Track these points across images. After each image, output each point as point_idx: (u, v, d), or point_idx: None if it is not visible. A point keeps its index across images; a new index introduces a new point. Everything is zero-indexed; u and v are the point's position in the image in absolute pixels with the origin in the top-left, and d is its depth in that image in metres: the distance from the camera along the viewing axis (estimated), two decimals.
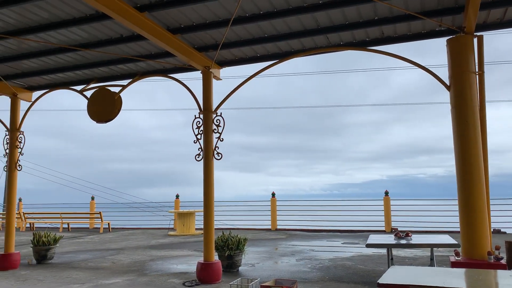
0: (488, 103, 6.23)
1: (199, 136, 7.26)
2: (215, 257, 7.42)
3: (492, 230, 7.57)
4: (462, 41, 6.01)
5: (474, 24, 5.83)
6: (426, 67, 6.41)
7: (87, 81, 8.82)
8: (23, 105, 9.52)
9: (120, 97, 7.87)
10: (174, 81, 7.93)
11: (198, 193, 7.30)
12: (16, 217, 16.96)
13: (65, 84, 9.07)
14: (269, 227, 16.31)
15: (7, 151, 9.23)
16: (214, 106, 7.41)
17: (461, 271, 3.72)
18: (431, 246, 5.89)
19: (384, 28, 6.49)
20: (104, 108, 7.78)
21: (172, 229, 17.20)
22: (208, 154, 7.19)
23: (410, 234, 6.43)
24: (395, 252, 9.80)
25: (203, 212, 7.28)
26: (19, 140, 9.24)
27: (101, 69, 8.22)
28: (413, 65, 6.56)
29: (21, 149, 9.25)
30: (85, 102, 8.04)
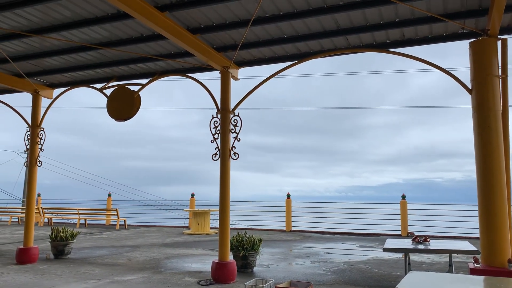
0: None
1: (216, 136, 7.28)
2: (230, 257, 7.43)
3: None
4: (485, 44, 5.90)
5: (498, 27, 5.72)
6: (447, 69, 6.32)
7: (107, 80, 8.94)
8: (44, 102, 9.69)
9: (139, 95, 7.95)
10: (190, 81, 7.97)
11: (213, 192, 7.35)
12: (35, 212, 17.29)
13: (85, 82, 9.20)
14: (284, 228, 16.28)
15: (28, 147, 9.40)
16: (231, 106, 7.42)
17: (482, 278, 3.65)
18: (450, 252, 5.79)
19: (405, 30, 6.42)
20: (123, 106, 7.86)
21: (187, 227, 17.30)
22: (225, 154, 7.21)
23: (428, 239, 6.33)
24: (412, 257, 9.68)
25: (218, 212, 7.30)
26: (40, 137, 9.41)
27: (121, 67, 8.32)
28: (431, 68, 6.47)
29: (42, 145, 9.42)
30: (104, 100, 8.15)
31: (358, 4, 5.68)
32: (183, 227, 17.56)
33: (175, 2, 5.78)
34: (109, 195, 19.97)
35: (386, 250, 5.89)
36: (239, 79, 7.95)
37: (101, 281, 7.07)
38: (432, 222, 14.96)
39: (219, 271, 7.03)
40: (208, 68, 7.91)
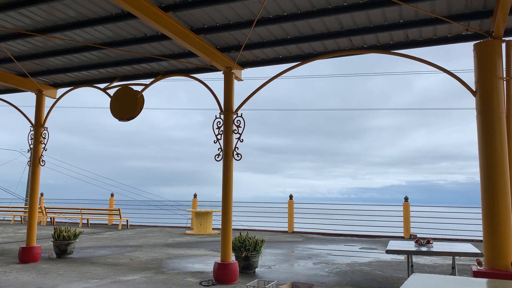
0: None
1: (219, 137, 7.28)
2: (232, 258, 7.42)
3: None
4: (490, 46, 5.87)
5: (503, 29, 5.70)
6: (451, 71, 6.29)
7: (110, 79, 8.96)
8: (47, 101, 9.72)
9: (142, 95, 7.96)
10: (193, 81, 7.98)
11: (215, 192, 7.37)
12: (38, 212, 17.32)
13: (89, 82, 9.22)
14: (286, 229, 16.26)
15: (32, 146, 9.42)
16: (235, 107, 7.42)
17: (485, 281, 3.62)
18: (453, 254, 5.76)
19: (409, 31, 6.40)
20: (126, 106, 7.87)
21: (189, 228, 17.31)
22: (227, 155, 7.21)
23: (431, 241, 6.30)
24: (415, 259, 9.64)
25: (221, 212, 7.30)
26: (43, 136, 9.43)
27: (125, 67, 8.33)
28: (434, 70, 6.46)
29: (45, 144, 9.44)
30: (107, 100, 8.17)
31: (362, 5, 5.67)
32: (185, 227, 17.57)
33: (179, 3, 5.78)
34: (112, 195, 20.00)
35: (389, 252, 5.87)
36: (242, 80, 7.95)
37: (103, 281, 7.07)
38: (435, 224, 14.92)
39: (221, 272, 7.02)
40: (211, 69, 7.91)
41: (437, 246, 6.16)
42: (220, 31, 6.52)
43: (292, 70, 7.28)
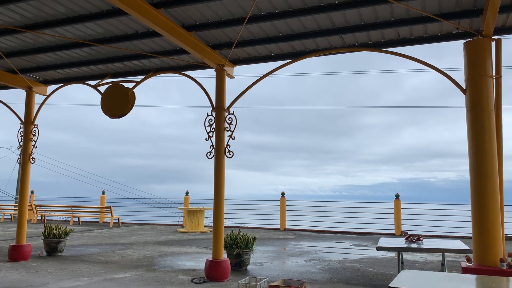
0: (505, 108, 6.13)
1: (211, 134, 7.27)
2: (224, 255, 7.42)
3: (505, 236, 7.45)
4: (479, 44, 5.92)
5: (493, 27, 5.74)
6: (442, 69, 6.34)
7: (101, 76, 8.89)
8: (37, 98, 9.63)
9: (133, 92, 7.91)
10: (185, 78, 7.95)
11: (207, 190, 7.35)
12: (28, 209, 17.19)
13: (80, 79, 9.15)
14: (278, 226, 16.29)
15: (21, 143, 9.34)
16: (226, 104, 7.41)
17: (474, 277, 3.67)
18: (443, 251, 5.81)
19: (400, 29, 6.43)
20: (117, 104, 7.83)
21: (181, 225, 17.28)
22: (219, 152, 7.20)
23: (421, 238, 6.36)
24: (405, 256, 9.72)
25: (213, 210, 7.29)
26: (33, 133, 9.35)
27: (116, 64, 8.28)
28: (425, 68, 6.49)
29: (35, 142, 9.35)
30: (98, 97, 8.11)
31: (353, 3, 5.68)
32: (177, 225, 17.54)
33: None
34: (103, 192, 19.89)
35: (380, 248, 5.91)
36: (234, 77, 7.94)
37: (94, 279, 7.04)
38: (426, 221, 15.04)
39: (213, 269, 7.02)
40: (203, 66, 7.88)
41: (427, 243, 6.22)
42: (212, 28, 6.50)
43: (284, 67, 7.29)
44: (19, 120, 9.42)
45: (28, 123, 9.34)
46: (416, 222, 15.15)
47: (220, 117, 7.29)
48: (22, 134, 9.35)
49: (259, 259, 9.22)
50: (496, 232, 5.63)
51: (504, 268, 5.44)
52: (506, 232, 11.67)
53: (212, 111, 7.37)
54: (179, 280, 6.99)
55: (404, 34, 6.61)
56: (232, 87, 8.18)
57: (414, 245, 6.00)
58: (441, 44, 6.86)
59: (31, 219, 18.79)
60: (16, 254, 8.79)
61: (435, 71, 6.42)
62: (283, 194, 16.58)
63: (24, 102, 9.49)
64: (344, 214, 16.38)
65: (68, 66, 8.44)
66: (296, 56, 7.34)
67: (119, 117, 7.88)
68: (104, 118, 8.05)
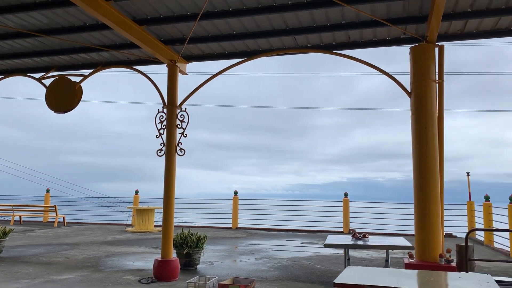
0: (447, 112, 6.45)
1: (161, 131, 7.13)
2: (174, 255, 7.31)
3: (444, 233, 7.85)
4: (424, 50, 6.19)
5: (436, 34, 6.02)
6: (390, 73, 6.57)
7: (46, 69, 8.48)
8: None
9: (80, 87, 7.61)
10: (137, 74, 7.76)
11: (159, 189, 7.18)
12: None
13: (23, 71, 8.68)
14: (230, 225, 16.27)
15: None
16: (179, 101, 7.29)
17: (414, 272, 3.82)
18: (387, 248, 6.04)
19: (351, 32, 6.60)
20: (63, 98, 7.50)
21: (130, 225, 16.85)
22: (170, 150, 7.08)
23: (367, 236, 6.56)
24: (352, 253, 10.00)
25: (162, 209, 7.16)
26: None
27: (62, 57, 7.92)
28: (376, 71, 6.70)
29: None
30: (43, 90, 7.73)
31: (306, 4, 5.76)
32: (126, 224, 17.08)
33: None
34: (48, 191, 19.01)
35: (327, 246, 6.04)
36: (187, 74, 7.83)
37: (35, 281, 6.70)
38: (373, 219, 15.56)
39: (161, 269, 6.89)
40: (155, 61, 7.72)
41: (372, 240, 6.43)
42: (164, 23, 6.37)
43: (240, 66, 7.29)
44: None
45: None
46: (363, 220, 15.63)
47: (171, 114, 7.17)
48: None
49: (210, 258, 9.16)
50: (437, 230, 5.91)
51: (443, 263, 5.73)
52: (446, 229, 12.33)
53: (163, 107, 7.23)
54: (126, 281, 6.80)
55: (355, 37, 6.79)
56: (186, 84, 8.07)
57: (360, 242, 6.18)
58: (391, 48, 7.11)
59: None
60: None
61: (384, 74, 6.65)
62: (236, 193, 16.58)
63: None
64: (295, 212, 16.62)
65: (10, 57, 7.98)
66: (250, 55, 7.35)
67: (65, 112, 7.55)
68: (50, 113, 7.69)
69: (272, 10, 5.92)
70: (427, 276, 3.40)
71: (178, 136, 7.16)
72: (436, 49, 6.25)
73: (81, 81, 7.63)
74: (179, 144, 7.13)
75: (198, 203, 18.22)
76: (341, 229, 15.22)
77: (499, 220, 11.92)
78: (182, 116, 7.19)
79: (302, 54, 7.34)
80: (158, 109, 7.20)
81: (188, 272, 7.60)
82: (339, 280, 3.02)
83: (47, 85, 7.70)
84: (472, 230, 5.44)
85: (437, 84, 6.17)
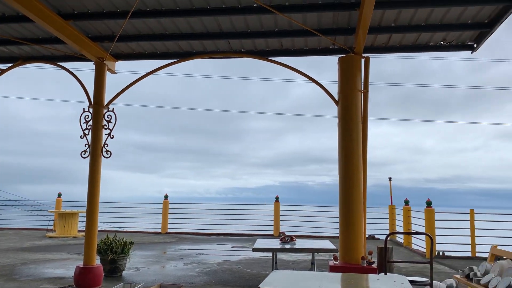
0: (372, 120, 6.78)
1: (86, 131, 6.80)
2: (97, 261, 6.97)
3: (367, 236, 8.22)
4: (351, 60, 6.46)
5: (363, 46, 6.30)
6: (321, 82, 6.78)
7: None
8: None
9: None
10: (64, 71, 7.33)
11: (84, 192, 6.81)
12: None
13: None
14: (159, 230, 15.89)
15: None
16: (106, 100, 7.00)
17: (337, 275, 3.95)
18: (312, 251, 6.20)
19: (283, 40, 6.73)
20: None
21: (51, 230, 15.86)
22: (95, 151, 6.76)
23: (294, 239, 6.70)
24: (281, 256, 10.18)
25: (86, 213, 6.81)
26: None
27: None
28: (307, 79, 6.89)
29: None
30: None
31: (240, 9, 5.78)
32: (46, 229, 16.06)
33: None
34: None
35: (255, 250, 6.08)
36: (116, 73, 7.53)
37: None
38: (302, 222, 15.94)
39: (83, 276, 6.53)
40: (81, 58, 7.34)
41: (299, 243, 6.58)
42: (92, 19, 6.08)
43: (175, 67, 7.16)
44: None
45: None
46: (293, 223, 15.98)
47: (98, 114, 6.85)
48: None
49: (137, 264, 8.87)
50: (360, 232, 6.17)
51: (365, 265, 5.98)
52: (369, 232, 12.94)
53: (89, 107, 6.90)
54: None
55: (287, 45, 6.93)
56: (117, 84, 7.73)
57: (287, 246, 6.30)
58: (323, 57, 7.32)
59: None
60: None
61: (313, 83, 6.85)
62: (166, 196, 16.23)
63: None
64: (227, 216, 16.60)
65: None
66: (183, 56, 7.24)
67: None
68: None
69: (206, 12, 5.87)
70: (347, 279, 3.53)
71: (104, 137, 6.86)
72: (363, 61, 6.54)
73: None
74: (105, 145, 6.83)
75: (127, 207, 17.58)
76: (272, 233, 15.44)
77: (417, 223, 12.76)
78: (109, 116, 6.90)
79: (236, 58, 7.36)
80: (84, 108, 6.86)
81: (113, 279, 7.30)
82: (264, 284, 3.04)
83: None
84: (391, 233, 5.75)
85: (362, 94, 6.46)
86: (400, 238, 14.01)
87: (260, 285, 2.98)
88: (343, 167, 6.23)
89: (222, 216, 16.68)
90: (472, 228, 11.24)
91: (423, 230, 11.45)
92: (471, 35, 6.45)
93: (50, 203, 16.97)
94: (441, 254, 11.02)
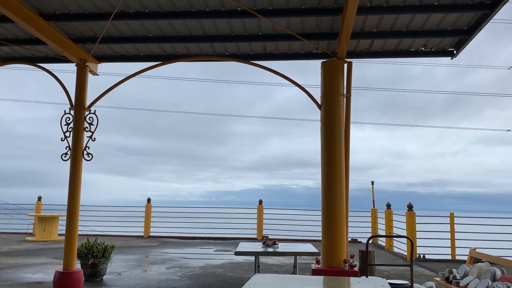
0: (355, 124, 6.85)
1: (67, 134, 6.70)
2: (77, 266, 6.86)
3: (350, 239, 8.29)
4: (334, 65, 6.52)
5: (346, 51, 6.37)
6: (304, 86, 6.82)
7: None
8: None
9: None
10: (44, 71, 7.23)
11: (64, 195, 6.70)
12: None
13: None
14: (142, 234, 15.72)
15: None
16: (88, 103, 6.91)
17: (319, 278, 3.97)
18: (295, 254, 6.22)
19: (267, 44, 6.76)
20: None
21: (30, 234, 15.56)
22: (76, 154, 6.66)
23: (277, 242, 6.71)
24: (264, 259, 10.18)
25: (66, 216, 6.70)
26: None
27: None
28: (290, 83, 6.92)
29: None
30: None
31: (224, 13, 5.78)
32: (26, 233, 15.75)
33: None
34: None
35: (238, 253, 6.07)
36: (98, 74, 7.46)
37: None
38: (285, 226, 15.96)
39: (63, 281, 6.42)
40: (63, 60, 7.25)
41: (282, 247, 6.59)
42: (74, 20, 6.01)
43: (159, 69, 7.13)
44: None
45: None
46: (277, 226, 15.99)
47: (79, 116, 6.76)
48: None
49: (118, 268, 8.76)
50: (341, 236, 6.21)
51: (347, 268, 6.03)
52: (351, 235, 13.03)
53: (70, 109, 6.81)
54: None
55: (270, 49, 6.96)
56: (100, 86, 7.64)
57: (270, 249, 6.30)
58: (306, 61, 7.38)
59: None
60: None
61: (297, 87, 6.89)
62: (149, 200, 16.08)
63: None
64: (210, 220, 16.53)
65: None
66: (166, 58, 7.21)
67: None
68: None
69: (190, 15, 5.85)
70: (329, 282, 3.54)
71: (85, 139, 6.77)
72: (345, 65, 6.61)
73: None
74: (87, 148, 6.74)
75: (108, 211, 17.36)
76: (255, 236, 15.43)
77: (399, 226, 12.91)
78: (91, 118, 6.83)
79: (219, 62, 7.36)
80: (65, 110, 6.77)
81: (93, 283, 7.20)
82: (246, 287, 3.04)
83: None
84: (372, 236, 5.80)
85: (344, 98, 6.53)
86: (382, 241, 14.15)
87: None
88: (326, 171, 6.27)
89: (206, 219, 16.60)
90: (452, 232, 11.43)
91: (404, 233, 11.59)
92: (451, 41, 6.58)
93: (30, 206, 16.66)
94: (421, 257, 11.16)
